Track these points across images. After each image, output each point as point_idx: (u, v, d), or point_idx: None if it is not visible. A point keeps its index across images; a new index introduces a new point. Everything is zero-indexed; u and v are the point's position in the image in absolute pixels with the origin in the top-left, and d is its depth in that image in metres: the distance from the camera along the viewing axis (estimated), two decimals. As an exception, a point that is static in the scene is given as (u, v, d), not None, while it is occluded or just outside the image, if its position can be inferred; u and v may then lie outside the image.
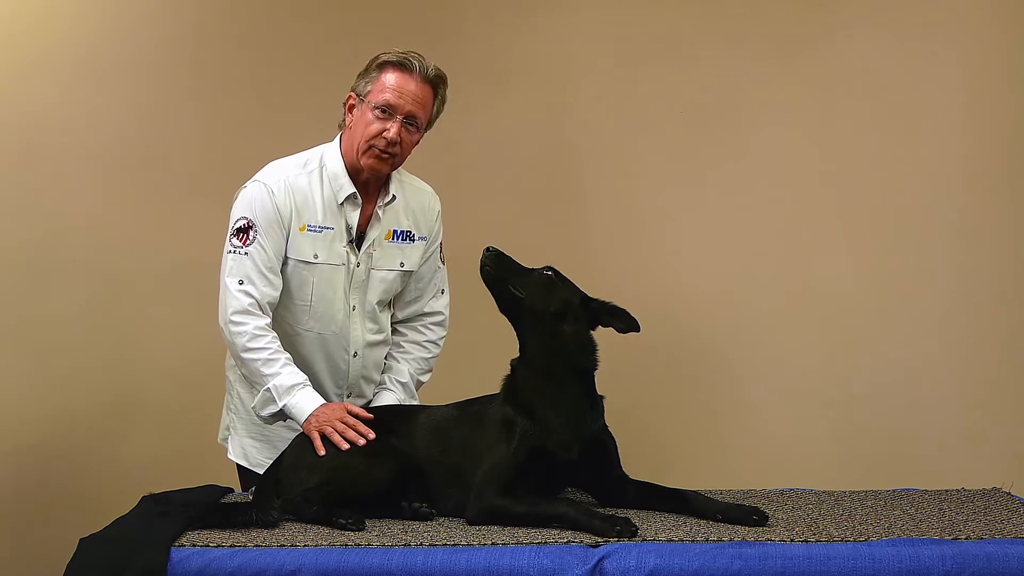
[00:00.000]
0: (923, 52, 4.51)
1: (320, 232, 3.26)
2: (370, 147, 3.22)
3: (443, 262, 3.50)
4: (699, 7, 4.56)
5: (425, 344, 3.48)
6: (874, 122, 4.52)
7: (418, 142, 3.32)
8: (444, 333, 3.51)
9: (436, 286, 3.48)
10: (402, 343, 3.48)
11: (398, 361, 3.46)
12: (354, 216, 3.28)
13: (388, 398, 3.41)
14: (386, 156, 3.23)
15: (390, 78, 3.23)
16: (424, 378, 3.51)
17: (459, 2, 4.62)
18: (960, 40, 4.50)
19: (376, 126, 3.21)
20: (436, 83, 3.27)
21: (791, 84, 4.54)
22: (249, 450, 3.43)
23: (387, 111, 3.21)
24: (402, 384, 3.44)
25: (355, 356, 3.37)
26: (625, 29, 4.58)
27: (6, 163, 4.50)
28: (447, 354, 3.57)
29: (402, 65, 3.23)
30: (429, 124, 3.32)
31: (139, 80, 4.54)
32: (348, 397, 3.38)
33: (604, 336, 3.05)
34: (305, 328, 3.31)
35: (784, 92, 4.54)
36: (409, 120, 3.23)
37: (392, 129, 3.20)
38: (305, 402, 3.13)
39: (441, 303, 3.50)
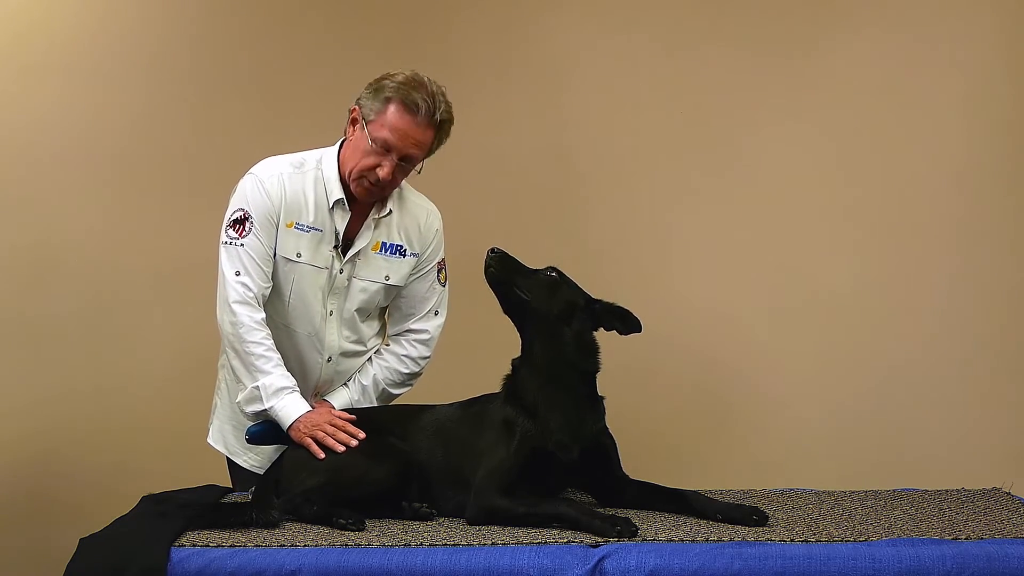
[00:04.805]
0: (923, 52, 4.51)
1: (308, 232, 3.25)
2: (361, 177, 3.20)
3: (443, 283, 3.44)
4: (699, 8, 4.56)
5: (403, 358, 3.42)
6: (874, 123, 4.51)
7: (410, 171, 3.28)
8: (427, 353, 3.43)
9: (431, 307, 3.42)
10: (382, 350, 3.44)
11: (371, 363, 3.42)
12: (342, 222, 3.27)
13: (340, 395, 3.36)
14: (375, 189, 3.21)
15: (394, 117, 3.15)
16: (395, 391, 3.43)
17: (459, 3, 4.61)
18: (960, 40, 4.50)
19: (370, 160, 3.17)
20: (441, 126, 3.21)
21: (791, 85, 4.53)
22: (228, 437, 3.44)
23: (384, 147, 3.17)
24: (362, 386, 3.39)
25: (328, 361, 3.34)
26: (625, 30, 4.58)
27: (5, 163, 4.50)
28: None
29: (408, 107, 3.15)
30: (428, 154, 3.25)
31: (139, 81, 4.55)
32: (315, 398, 3.35)
33: (604, 335, 3.05)
34: (283, 322, 3.29)
35: (784, 93, 4.54)
36: (404, 160, 3.19)
37: (385, 168, 3.16)
38: (292, 407, 3.13)
39: (431, 323, 3.43)
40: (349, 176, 3.22)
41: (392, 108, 3.16)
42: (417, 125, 3.16)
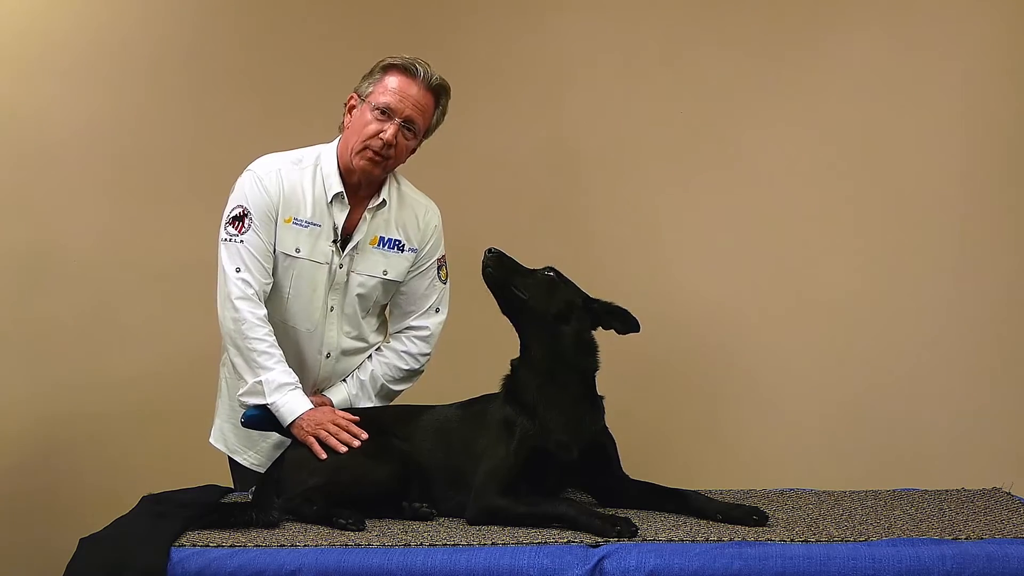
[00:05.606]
0: (923, 52, 4.51)
1: (306, 227, 3.26)
2: (365, 147, 3.22)
3: (444, 280, 3.45)
4: (699, 8, 4.55)
5: (402, 354, 3.41)
6: (875, 122, 4.51)
7: (414, 150, 3.32)
8: (427, 350, 3.43)
9: (431, 304, 3.43)
10: (382, 347, 3.44)
11: (370, 359, 3.42)
12: (341, 216, 3.28)
13: (339, 391, 3.37)
14: (379, 159, 3.23)
15: (393, 81, 3.24)
16: (396, 387, 3.43)
17: (458, 3, 4.61)
18: (960, 40, 4.50)
19: (373, 127, 3.21)
20: (439, 92, 3.28)
21: (791, 85, 4.53)
22: (228, 435, 3.44)
23: (386, 113, 3.22)
24: (361, 381, 3.38)
25: (327, 357, 3.35)
26: (625, 31, 4.57)
27: (5, 163, 4.50)
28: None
29: (406, 69, 3.23)
30: (427, 133, 3.32)
31: (138, 81, 4.54)
32: (313, 395, 3.34)
33: (603, 335, 3.05)
34: (281, 319, 3.29)
35: (784, 93, 4.53)
36: (407, 124, 3.23)
37: (389, 131, 3.20)
38: (294, 403, 3.13)
39: (432, 320, 3.43)
40: (351, 154, 3.24)
41: (390, 74, 3.25)
42: (417, 87, 3.24)
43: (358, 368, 3.41)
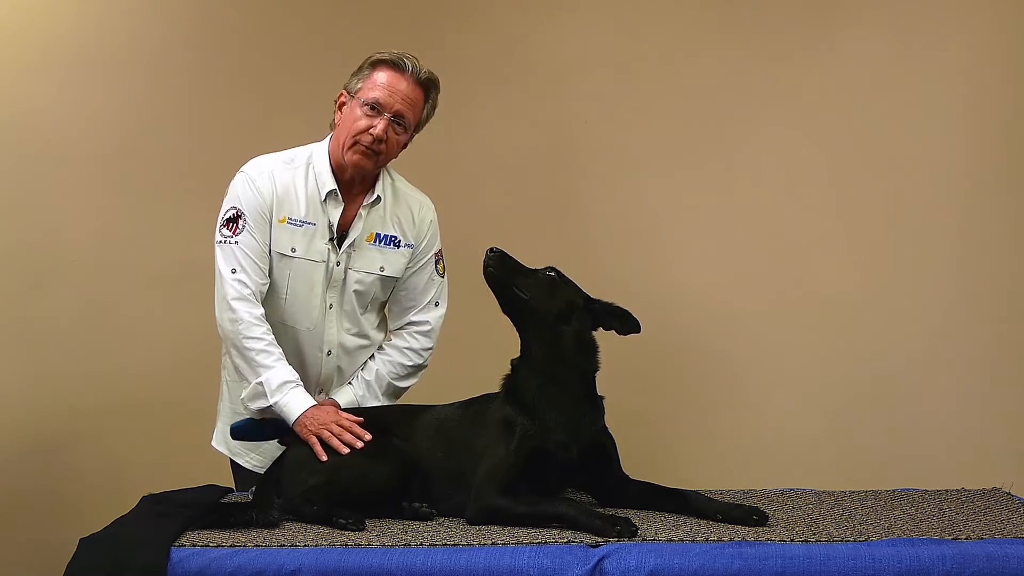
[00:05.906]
0: (923, 52, 4.51)
1: (301, 227, 3.26)
2: (355, 143, 3.22)
3: (442, 274, 3.46)
4: (699, 8, 4.56)
5: (405, 351, 3.42)
6: (874, 122, 4.51)
7: (406, 144, 3.32)
8: (430, 344, 3.44)
9: (431, 298, 3.43)
10: (384, 345, 3.44)
11: (373, 359, 3.42)
12: (336, 214, 3.28)
13: (345, 393, 3.36)
14: (370, 153, 3.23)
15: (382, 76, 3.24)
16: (401, 384, 3.43)
17: (458, 4, 4.62)
18: (960, 40, 4.50)
19: (363, 122, 3.22)
20: (428, 86, 3.28)
21: (791, 84, 4.53)
22: (229, 437, 3.42)
23: (376, 108, 3.22)
24: (366, 381, 3.38)
25: (328, 355, 3.35)
26: (625, 30, 4.58)
27: (5, 163, 4.50)
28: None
29: (395, 64, 3.24)
30: (418, 127, 3.32)
31: (138, 81, 4.55)
32: (319, 394, 3.35)
33: (604, 335, 3.05)
34: (279, 320, 3.29)
35: (784, 92, 4.54)
36: (397, 119, 3.23)
37: (379, 126, 3.21)
38: (296, 401, 3.13)
39: (432, 315, 3.44)
40: (342, 150, 3.24)
41: (379, 70, 3.25)
42: (406, 81, 3.24)
43: (362, 369, 3.41)
